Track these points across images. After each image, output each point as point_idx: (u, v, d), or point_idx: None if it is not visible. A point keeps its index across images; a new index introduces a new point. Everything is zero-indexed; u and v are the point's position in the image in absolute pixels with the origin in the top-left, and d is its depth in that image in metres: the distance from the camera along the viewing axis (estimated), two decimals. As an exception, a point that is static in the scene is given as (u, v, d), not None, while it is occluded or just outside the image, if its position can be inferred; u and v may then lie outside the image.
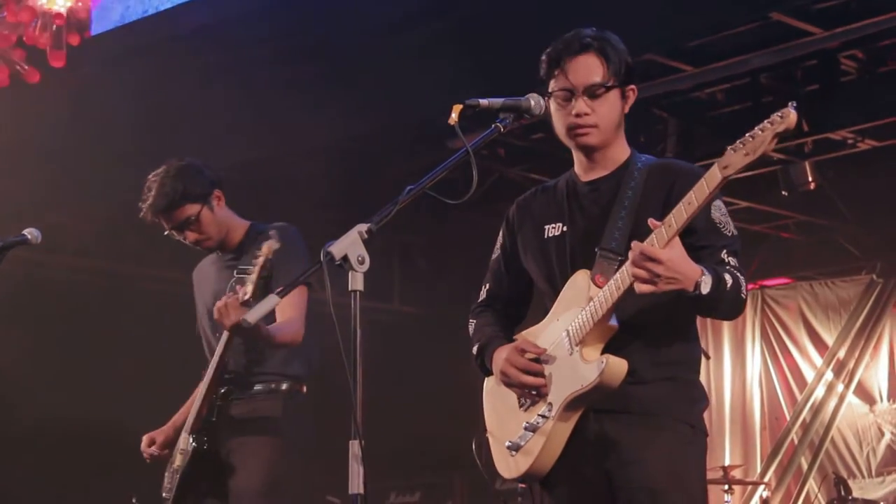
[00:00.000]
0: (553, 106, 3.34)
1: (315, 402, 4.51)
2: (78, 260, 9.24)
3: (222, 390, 4.41)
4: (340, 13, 7.01)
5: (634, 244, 3.04)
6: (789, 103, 2.90)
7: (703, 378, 10.52)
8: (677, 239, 3.03)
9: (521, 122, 3.35)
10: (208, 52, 7.37)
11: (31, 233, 4.30)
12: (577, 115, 3.28)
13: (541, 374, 3.26)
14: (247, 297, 4.06)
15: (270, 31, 7.19)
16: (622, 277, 3.11)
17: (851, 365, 10.08)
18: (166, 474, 4.58)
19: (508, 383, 3.33)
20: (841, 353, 10.12)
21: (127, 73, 7.54)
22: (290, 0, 7.31)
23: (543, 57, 3.37)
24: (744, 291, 3.17)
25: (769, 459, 10.28)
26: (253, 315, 2.89)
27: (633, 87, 3.37)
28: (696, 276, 3.03)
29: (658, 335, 3.26)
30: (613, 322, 3.18)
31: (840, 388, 10.10)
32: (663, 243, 3.01)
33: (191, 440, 4.39)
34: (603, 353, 3.19)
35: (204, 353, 4.70)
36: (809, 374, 10.27)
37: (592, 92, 3.28)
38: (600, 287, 3.19)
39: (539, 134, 8.10)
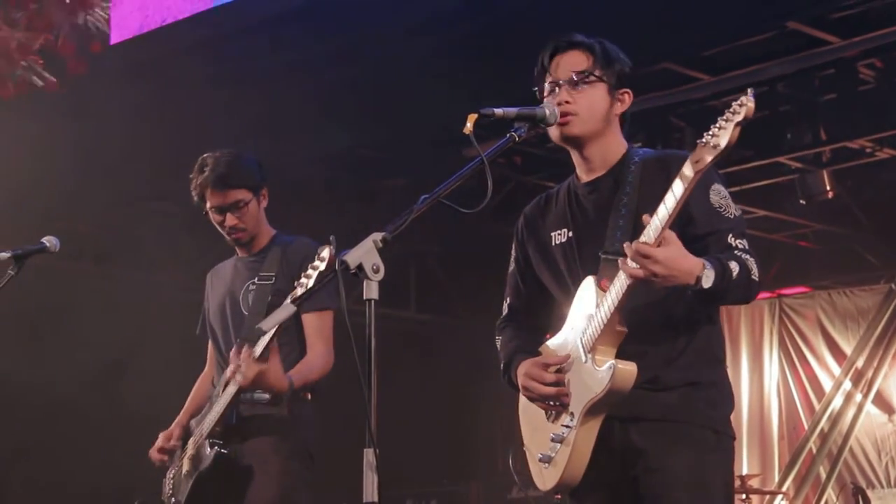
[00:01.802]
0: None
1: (328, 409, 4.51)
2: (98, 267, 9.28)
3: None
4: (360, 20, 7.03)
5: (627, 245, 3.02)
6: (748, 90, 2.89)
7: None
8: (673, 235, 3.00)
9: (536, 130, 3.36)
10: (226, 61, 7.40)
11: (49, 241, 4.32)
12: (559, 105, 3.28)
13: (560, 384, 3.25)
14: (258, 355, 4.11)
15: (292, 38, 7.20)
16: (620, 282, 3.09)
17: (870, 374, 10.04)
18: (168, 479, 4.57)
19: (531, 398, 3.32)
20: (859, 363, 10.08)
21: (144, 83, 7.57)
22: (310, 9, 7.33)
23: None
24: (755, 274, 3.12)
25: (787, 469, 10.25)
26: (268, 324, 2.88)
27: (626, 90, 3.37)
28: (696, 271, 3.00)
29: (675, 336, 3.23)
30: (621, 326, 3.16)
31: (858, 397, 10.06)
32: (652, 241, 2.99)
33: (209, 446, 4.37)
34: (617, 357, 3.17)
35: (204, 353, 4.72)
36: (827, 384, 10.24)
37: (574, 81, 3.29)
38: (606, 291, 3.18)
39: (555, 143, 8.11)
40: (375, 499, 2.80)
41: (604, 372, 3.14)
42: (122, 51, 7.60)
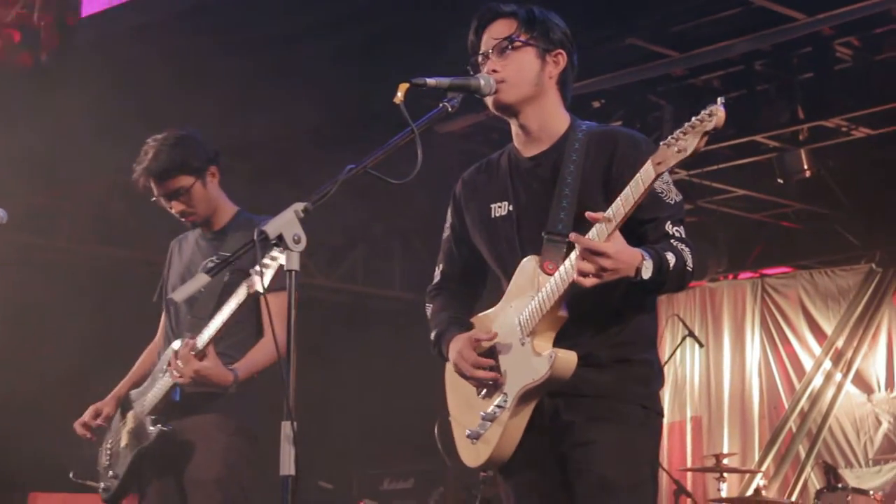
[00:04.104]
0: None
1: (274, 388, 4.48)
2: (70, 243, 9.26)
3: None
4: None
5: (575, 235, 3.00)
6: (718, 99, 2.83)
7: (701, 367, 10.36)
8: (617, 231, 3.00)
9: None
10: (203, 33, 7.34)
11: (-3, 213, 4.29)
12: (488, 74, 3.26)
13: (494, 368, 3.24)
14: (200, 348, 4.10)
15: (273, 9, 7.13)
16: (567, 270, 3.06)
17: (850, 354, 10.04)
18: (104, 450, 4.52)
19: (462, 375, 3.30)
20: (839, 343, 10.09)
21: (118, 55, 7.52)
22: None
23: None
24: (689, 264, 3.11)
25: (767, 448, 10.27)
26: (179, 295, 2.85)
27: (559, 51, 3.32)
28: (636, 263, 3.00)
29: (610, 317, 3.21)
30: (563, 312, 3.14)
31: (838, 377, 10.07)
32: (605, 237, 2.98)
33: (150, 423, 4.32)
34: (555, 341, 3.15)
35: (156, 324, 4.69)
36: (808, 363, 10.25)
37: (500, 49, 3.27)
38: (550, 274, 3.14)
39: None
40: (292, 472, 2.79)
41: (544, 360, 3.12)
42: (95, 22, 7.57)
